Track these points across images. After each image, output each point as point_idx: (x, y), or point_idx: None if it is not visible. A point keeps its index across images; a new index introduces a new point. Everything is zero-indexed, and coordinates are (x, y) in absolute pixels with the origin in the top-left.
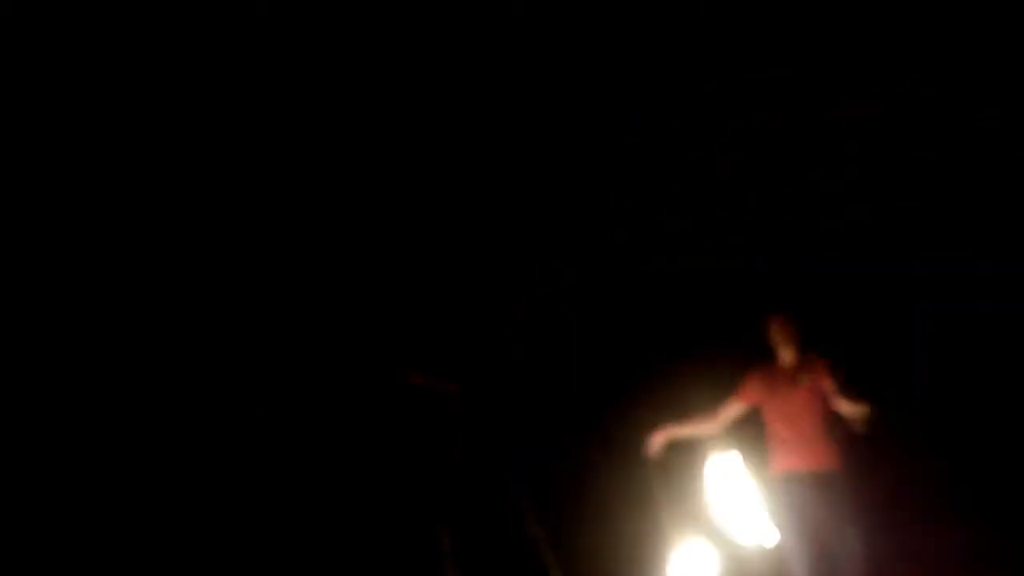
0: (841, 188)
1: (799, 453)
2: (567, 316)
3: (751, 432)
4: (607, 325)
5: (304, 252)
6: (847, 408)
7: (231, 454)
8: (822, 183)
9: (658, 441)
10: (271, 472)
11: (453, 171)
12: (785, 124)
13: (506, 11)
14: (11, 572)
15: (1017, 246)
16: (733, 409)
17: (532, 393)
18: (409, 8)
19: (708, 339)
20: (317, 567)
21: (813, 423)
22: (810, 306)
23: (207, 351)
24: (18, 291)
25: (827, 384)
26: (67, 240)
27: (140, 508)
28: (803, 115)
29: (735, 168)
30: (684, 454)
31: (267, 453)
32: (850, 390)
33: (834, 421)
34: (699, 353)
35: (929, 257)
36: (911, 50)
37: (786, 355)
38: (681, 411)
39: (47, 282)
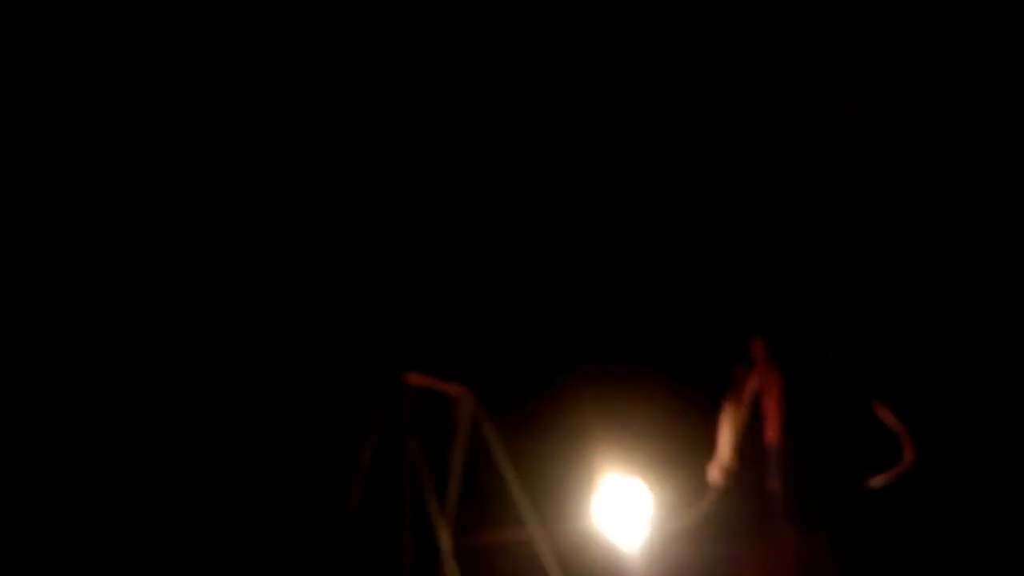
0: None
1: None
2: (566, 316)
3: None
4: (606, 325)
5: (303, 252)
6: None
7: (228, 454)
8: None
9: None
10: (268, 473)
11: (452, 171)
12: (785, 124)
13: (506, 11)
14: (10, 572)
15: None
16: None
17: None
18: (409, 7)
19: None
20: (316, 568)
21: None
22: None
23: (204, 351)
24: (16, 290)
25: None
26: (65, 240)
27: (137, 508)
28: (803, 115)
29: (735, 168)
30: None
31: (264, 454)
32: None
33: None
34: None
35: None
36: (910, 50)
37: None
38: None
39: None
